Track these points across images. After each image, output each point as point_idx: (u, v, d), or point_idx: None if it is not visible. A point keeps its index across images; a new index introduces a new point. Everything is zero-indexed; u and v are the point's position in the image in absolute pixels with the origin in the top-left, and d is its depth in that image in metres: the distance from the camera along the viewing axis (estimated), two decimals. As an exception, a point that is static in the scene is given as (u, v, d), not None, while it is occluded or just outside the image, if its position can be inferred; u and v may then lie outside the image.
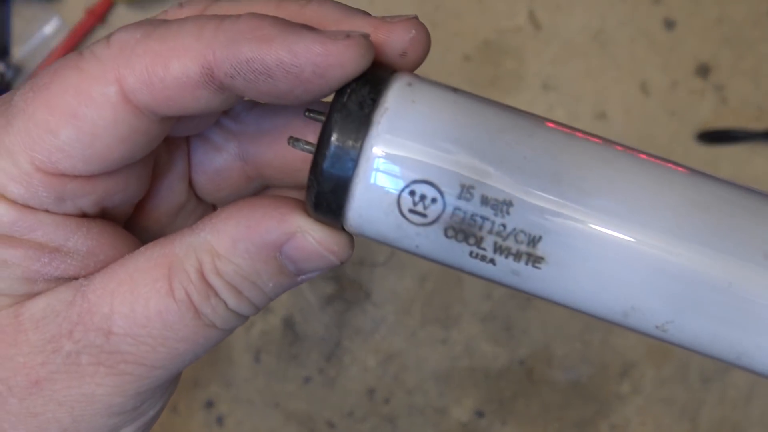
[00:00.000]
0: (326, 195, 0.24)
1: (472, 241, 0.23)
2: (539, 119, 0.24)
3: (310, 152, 0.24)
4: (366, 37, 0.23)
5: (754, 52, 0.64)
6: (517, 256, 0.23)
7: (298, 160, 0.29)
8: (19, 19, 0.62)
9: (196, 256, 0.25)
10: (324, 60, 0.23)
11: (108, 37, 0.24)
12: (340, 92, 0.24)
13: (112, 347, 0.25)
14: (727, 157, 0.63)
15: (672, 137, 0.63)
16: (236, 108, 0.29)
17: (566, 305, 0.24)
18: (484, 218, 0.23)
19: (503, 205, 0.23)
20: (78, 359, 0.25)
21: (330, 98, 0.24)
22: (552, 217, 0.23)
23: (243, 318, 0.26)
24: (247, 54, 0.23)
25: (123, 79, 0.24)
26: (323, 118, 0.24)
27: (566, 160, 0.23)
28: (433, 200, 0.23)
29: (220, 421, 0.61)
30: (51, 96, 0.24)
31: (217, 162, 0.30)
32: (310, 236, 0.25)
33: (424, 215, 0.23)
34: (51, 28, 0.62)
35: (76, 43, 0.62)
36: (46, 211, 0.25)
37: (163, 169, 0.29)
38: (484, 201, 0.23)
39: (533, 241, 0.23)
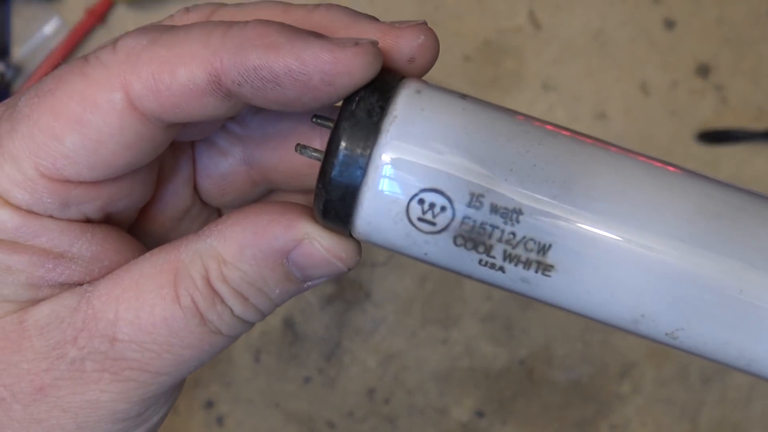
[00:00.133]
0: (334, 203, 0.24)
1: (481, 249, 0.23)
2: (548, 126, 0.24)
3: (318, 160, 0.24)
4: (374, 44, 0.23)
5: (754, 52, 0.64)
6: (527, 264, 0.23)
7: (304, 165, 0.28)
8: (19, 19, 0.62)
9: (202, 263, 0.25)
10: (332, 68, 0.23)
11: (114, 42, 0.24)
12: (348, 100, 0.24)
13: (117, 354, 0.25)
14: (727, 157, 0.63)
15: (672, 137, 0.63)
16: (242, 112, 0.29)
17: (576, 313, 0.24)
18: (493, 226, 0.23)
19: (513, 213, 0.23)
20: (82, 366, 0.25)
21: (339, 104, 0.24)
22: (562, 224, 0.23)
23: (249, 324, 0.26)
24: (254, 61, 0.23)
25: (129, 86, 0.23)
26: (330, 124, 0.24)
27: (576, 167, 0.23)
28: (443, 208, 0.23)
29: (220, 421, 0.61)
30: (56, 102, 0.24)
31: (223, 166, 0.30)
32: (317, 243, 0.25)
33: (433, 223, 0.23)
34: (51, 28, 0.62)
35: (76, 43, 0.62)
36: (51, 216, 0.25)
37: (168, 173, 0.29)
38: (494, 209, 0.23)
39: (543, 249, 0.23)
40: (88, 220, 0.26)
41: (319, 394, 0.61)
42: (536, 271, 0.23)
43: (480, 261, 0.23)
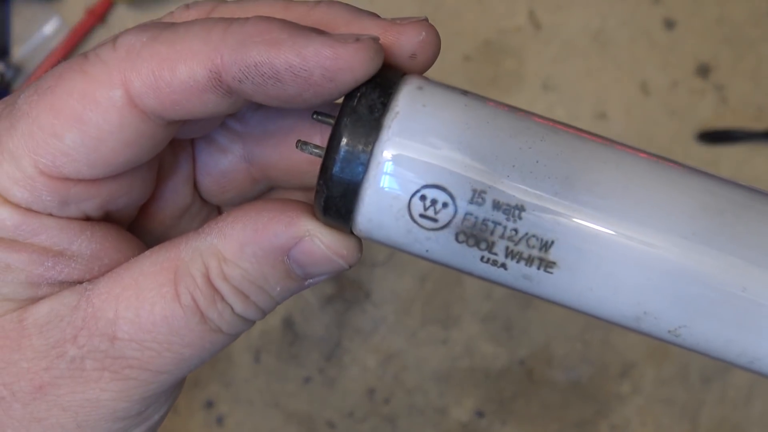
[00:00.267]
0: (335, 199, 0.23)
1: (483, 245, 0.23)
2: (551, 122, 0.24)
3: (319, 156, 0.24)
4: (376, 40, 0.23)
5: (754, 52, 0.64)
6: (529, 260, 0.23)
7: (305, 162, 0.28)
8: (19, 19, 0.62)
9: (203, 261, 0.25)
10: (334, 64, 0.23)
11: (114, 39, 0.24)
12: (349, 96, 0.23)
13: (117, 352, 0.25)
14: (727, 157, 0.63)
15: (672, 137, 0.63)
16: (242, 109, 0.29)
17: (578, 310, 0.24)
18: (495, 223, 0.23)
19: (515, 210, 0.22)
20: (82, 364, 0.25)
21: (339, 101, 0.24)
22: (564, 221, 0.22)
23: (250, 323, 0.26)
24: (255, 58, 0.23)
25: (129, 83, 0.23)
26: (331, 121, 0.24)
27: (578, 163, 0.23)
28: (444, 205, 0.23)
29: (220, 421, 0.61)
30: (56, 99, 0.24)
31: (223, 164, 0.30)
32: (318, 240, 0.24)
33: (435, 220, 0.23)
34: (51, 28, 0.62)
35: (76, 43, 0.61)
36: (50, 214, 0.25)
37: (167, 171, 0.29)
38: (496, 206, 0.22)
39: (545, 245, 0.23)
40: (87, 218, 0.26)
41: (319, 394, 0.61)
42: (538, 268, 0.23)
43: (482, 258, 0.23)
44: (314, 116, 0.25)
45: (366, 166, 0.23)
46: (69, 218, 0.25)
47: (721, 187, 0.23)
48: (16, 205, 0.25)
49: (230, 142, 0.29)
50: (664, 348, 0.61)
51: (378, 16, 0.25)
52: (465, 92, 0.24)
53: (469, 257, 0.23)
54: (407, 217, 0.23)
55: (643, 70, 0.64)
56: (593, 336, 0.61)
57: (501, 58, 0.64)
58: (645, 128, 0.63)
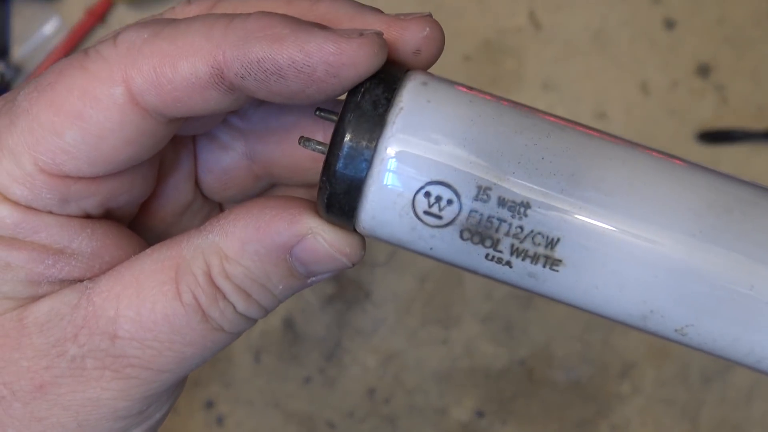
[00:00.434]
0: (339, 196, 0.23)
1: (488, 243, 0.23)
2: (556, 119, 0.23)
3: (322, 152, 0.24)
4: (379, 35, 0.23)
5: (754, 52, 0.64)
6: (535, 258, 0.23)
7: (307, 159, 0.28)
8: (19, 19, 0.62)
9: (204, 259, 0.25)
10: (337, 59, 0.22)
11: (114, 36, 0.24)
12: (353, 91, 0.23)
13: (118, 351, 0.25)
14: (727, 157, 0.63)
15: (672, 137, 0.63)
16: (244, 106, 0.29)
17: (584, 309, 0.23)
18: (501, 220, 0.22)
19: (520, 207, 0.22)
20: (83, 363, 0.25)
21: (342, 97, 0.24)
22: (570, 218, 0.22)
23: (252, 321, 0.26)
24: (258, 54, 0.22)
25: (130, 80, 0.23)
26: (335, 117, 0.24)
27: (584, 160, 0.23)
28: (449, 202, 0.23)
29: (220, 421, 0.61)
30: (56, 96, 0.24)
31: (224, 161, 0.29)
32: (321, 238, 0.24)
33: (439, 217, 0.23)
34: (51, 28, 0.62)
35: (75, 43, 0.61)
36: (50, 212, 0.25)
37: (169, 168, 0.29)
38: (501, 202, 0.22)
39: (551, 243, 0.22)
40: (88, 216, 0.26)
41: (319, 394, 0.61)
42: (544, 266, 0.23)
43: (487, 255, 0.23)
44: (317, 112, 0.25)
45: (370, 162, 0.23)
46: (69, 216, 0.25)
47: (728, 185, 0.23)
48: (16, 203, 0.24)
49: (232, 139, 0.29)
50: (664, 348, 0.61)
51: (381, 12, 0.25)
52: (470, 88, 0.24)
53: (473, 255, 0.23)
54: (411, 214, 0.23)
55: (643, 70, 0.63)
56: (593, 336, 0.61)
57: (501, 58, 0.64)
58: (645, 128, 0.63)
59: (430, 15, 0.25)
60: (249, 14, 0.23)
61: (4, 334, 0.25)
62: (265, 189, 0.31)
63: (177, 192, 0.29)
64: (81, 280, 0.25)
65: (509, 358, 0.61)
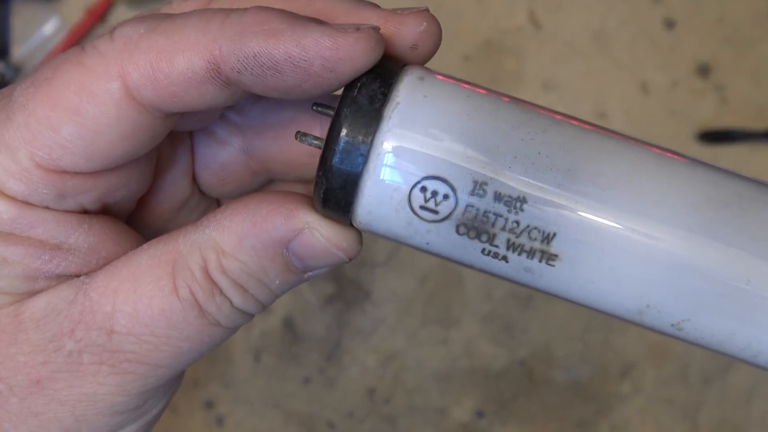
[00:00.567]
0: (335, 191, 0.23)
1: (484, 238, 0.23)
2: (553, 114, 0.23)
3: (319, 147, 0.24)
4: (376, 29, 0.23)
5: (754, 51, 0.64)
6: (531, 253, 0.23)
7: (304, 154, 0.28)
8: (19, 19, 0.62)
9: (201, 254, 0.25)
10: (333, 54, 0.22)
11: (111, 31, 0.24)
12: (349, 86, 0.23)
13: (115, 346, 0.25)
14: (727, 157, 0.63)
15: (672, 137, 0.63)
16: (241, 101, 0.29)
17: (580, 303, 0.23)
18: (497, 215, 0.22)
19: (517, 202, 0.22)
20: (80, 358, 0.25)
21: (339, 92, 0.24)
22: (566, 213, 0.22)
23: (248, 316, 0.26)
24: (254, 48, 0.22)
25: (126, 75, 0.23)
26: (331, 112, 0.24)
27: (581, 155, 0.22)
28: (445, 196, 0.23)
29: (220, 421, 0.61)
30: (52, 91, 0.24)
31: (222, 156, 0.29)
32: (317, 233, 0.24)
33: (435, 212, 0.23)
34: (51, 28, 0.62)
35: (75, 42, 0.62)
36: (47, 207, 0.25)
37: (166, 164, 0.29)
38: (498, 197, 0.22)
39: (547, 238, 0.22)
40: (85, 211, 0.26)
41: (319, 394, 0.61)
42: (540, 261, 0.23)
43: (483, 250, 0.23)
44: (314, 107, 0.25)
45: (366, 157, 0.23)
46: (66, 211, 0.25)
47: (726, 179, 0.23)
48: (13, 198, 0.24)
49: (229, 134, 0.29)
50: (664, 348, 0.61)
51: (378, 7, 0.25)
52: (467, 83, 0.24)
53: (470, 250, 0.23)
54: (407, 209, 0.23)
55: (643, 70, 0.63)
56: (593, 336, 0.61)
57: (501, 58, 0.64)
58: (645, 128, 0.63)
59: (427, 9, 0.25)
60: (245, 9, 0.23)
61: (1, 330, 0.25)
62: (263, 185, 0.31)
63: (174, 188, 0.29)
64: (78, 276, 0.25)
65: (509, 358, 0.61)
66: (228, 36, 0.23)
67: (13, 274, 0.25)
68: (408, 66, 0.24)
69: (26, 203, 0.24)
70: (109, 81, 0.23)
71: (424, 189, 0.23)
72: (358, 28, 0.23)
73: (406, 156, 0.23)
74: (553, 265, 0.23)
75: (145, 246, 0.25)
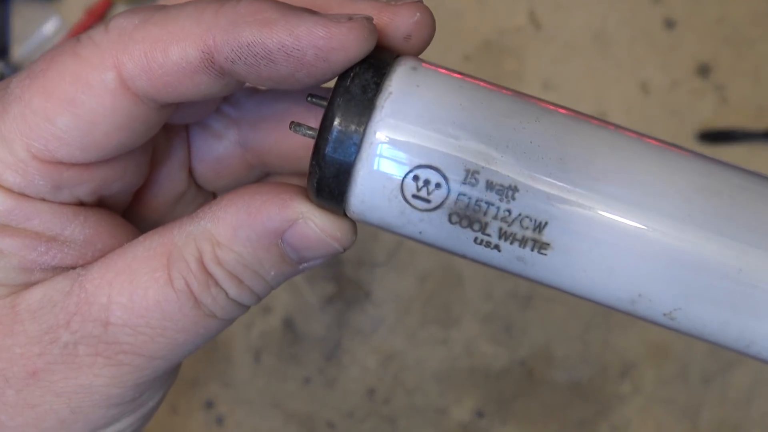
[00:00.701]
0: (328, 180, 0.23)
1: (476, 227, 0.23)
2: (546, 104, 0.23)
3: (312, 137, 0.24)
4: (369, 20, 0.23)
5: (754, 51, 0.64)
6: (523, 242, 0.23)
7: (300, 147, 0.28)
8: (19, 19, 0.62)
9: (196, 245, 0.25)
10: (326, 43, 0.22)
11: (106, 22, 0.24)
12: (342, 76, 0.23)
13: (111, 338, 0.25)
14: (726, 157, 0.62)
15: (672, 137, 0.63)
16: (236, 94, 0.29)
17: (572, 293, 0.23)
18: (489, 204, 0.22)
19: (508, 191, 0.22)
20: (75, 350, 0.25)
21: (333, 83, 0.24)
22: (558, 202, 0.22)
23: (244, 308, 0.26)
24: (248, 38, 0.23)
25: (121, 66, 0.23)
26: (326, 103, 0.24)
27: (573, 144, 0.23)
28: (437, 185, 0.23)
29: (220, 421, 0.61)
30: (48, 82, 0.24)
31: (218, 149, 0.29)
32: (312, 223, 0.24)
33: (427, 201, 0.23)
34: (51, 28, 0.62)
35: (74, 41, 0.62)
36: (43, 199, 0.25)
37: (162, 157, 0.29)
38: (490, 186, 0.22)
39: (539, 227, 0.22)
40: (81, 204, 0.26)
41: (319, 394, 0.61)
42: (532, 250, 0.23)
43: (475, 239, 0.23)
44: (308, 98, 0.25)
45: (359, 146, 0.23)
46: (62, 203, 0.25)
47: (717, 169, 0.23)
48: (9, 190, 0.24)
49: (225, 127, 0.29)
50: (664, 348, 0.61)
51: None
52: (460, 73, 0.24)
53: (462, 239, 0.23)
54: (400, 198, 0.23)
55: (643, 70, 0.64)
56: (593, 336, 0.61)
57: (501, 58, 0.64)
58: (645, 128, 0.63)
59: (420, 1, 0.25)
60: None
61: None
62: (259, 178, 0.31)
63: (170, 181, 0.29)
64: (74, 268, 0.25)
65: (509, 358, 0.61)
66: (221, 26, 0.23)
67: (9, 266, 0.25)
68: (401, 56, 0.24)
69: (22, 195, 0.25)
70: (104, 71, 0.23)
71: (416, 178, 0.23)
72: (351, 18, 0.23)
73: (398, 145, 0.23)
74: (545, 254, 0.23)
75: (140, 238, 0.25)
